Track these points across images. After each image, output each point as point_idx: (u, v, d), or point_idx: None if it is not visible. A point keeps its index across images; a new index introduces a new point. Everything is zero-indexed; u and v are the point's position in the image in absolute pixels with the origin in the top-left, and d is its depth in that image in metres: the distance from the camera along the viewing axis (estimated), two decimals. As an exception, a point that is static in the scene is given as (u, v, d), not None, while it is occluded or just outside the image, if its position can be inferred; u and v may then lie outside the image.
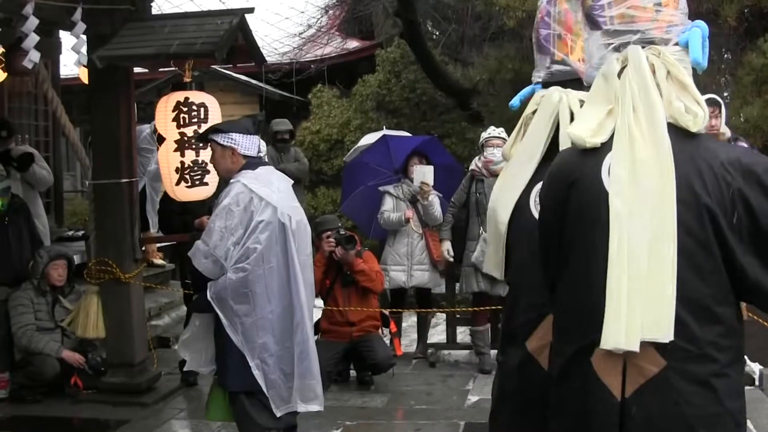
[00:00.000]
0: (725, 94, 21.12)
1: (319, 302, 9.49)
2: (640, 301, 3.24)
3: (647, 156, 3.29)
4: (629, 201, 3.27)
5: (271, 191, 6.33)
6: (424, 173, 10.56)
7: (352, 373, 10.02)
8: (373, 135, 13.66)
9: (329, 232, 9.70)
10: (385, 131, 13.73)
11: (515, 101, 4.93)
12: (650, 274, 3.24)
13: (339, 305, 9.68)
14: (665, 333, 3.22)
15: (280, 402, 6.37)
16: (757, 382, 9.16)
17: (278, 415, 6.39)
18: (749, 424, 7.95)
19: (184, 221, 9.50)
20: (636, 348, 3.23)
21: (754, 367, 9.54)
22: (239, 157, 6.45)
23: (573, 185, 3.42)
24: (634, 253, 3.25)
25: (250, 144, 6.52)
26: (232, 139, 6.43)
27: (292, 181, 6.91)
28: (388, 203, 10.81)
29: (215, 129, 6.65)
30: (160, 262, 13.64)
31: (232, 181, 6.36)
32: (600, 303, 3.29)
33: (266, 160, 6.83)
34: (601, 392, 3.33)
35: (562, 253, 3.53)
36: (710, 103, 9.90)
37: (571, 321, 3.47)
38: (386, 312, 10.26)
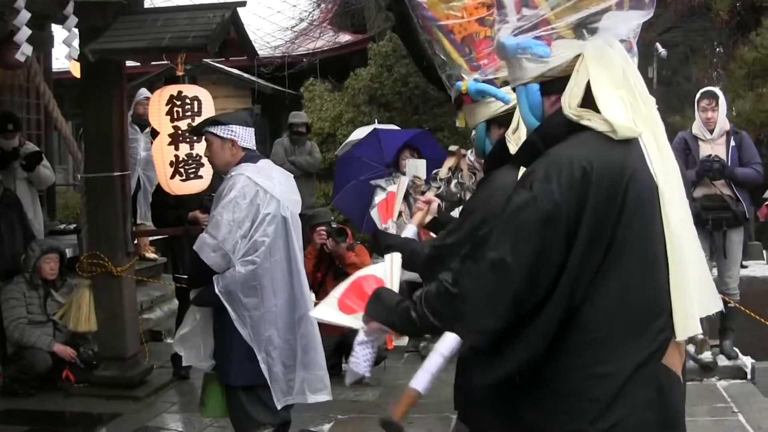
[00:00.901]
0: (717, 88, 21.13)
1: (311, 296, 9.50)
2: (696, 284, 3.27)
3: (663, 142, 3.29)
4: (668, 188, 3.24)
5: (273, 185, 6.37)
6: (416, 167, 10.56)
7: (344, 366, 10.02)
8: (364, 129, 13.67)
9: (322, 226, 9.71)
10: (377, 125, 13.74)
11: (507, 95, 4.79)
12: (693, 255, 3.29)
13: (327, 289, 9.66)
14: (716, 305, 3.41)
15: (281, 395, 6.42)
16: (749, 376, 9.18)
17: (279, 407, 6.43)
18: (741, 417, 7.98)
19: (178, 215, 9.50)
20: (700, 329, 3.29)
21: (746, 361, 9.56)
22: (239, 150, 6.46)
23: (630, 180, 3.16)
24: (683, 238, 3.25)
25: (249, 136, 6.55)
26: (232, 131, 6.43)
27: (292, 175, 6.93)
28: (380, 197, 10.81)
29: (214, 121, 6.64)
30: (152, 255, 13.63)
31: (233, 173, 6.35)
32: (666, 297, 3.21)
33: (257, 153, 6.88)
34: (678, 387, 3.28)
35: (608, 259, 3.14)
36: (707, 95, 9.91)
37: (625, 332, 3.16)
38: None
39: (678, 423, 3.29)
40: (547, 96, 3.36)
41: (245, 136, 6.49)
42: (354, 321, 3.65)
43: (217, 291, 6.19)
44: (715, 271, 10.09)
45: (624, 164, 3.17)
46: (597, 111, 3.22)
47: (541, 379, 3.22)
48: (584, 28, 3.33)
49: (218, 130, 6.46)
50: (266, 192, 6.24)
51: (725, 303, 9.78)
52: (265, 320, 6.26)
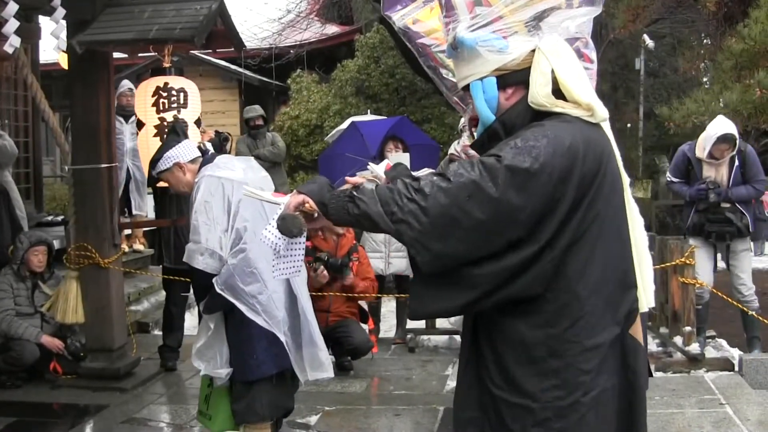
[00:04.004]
0: (705, 79, 21.14)
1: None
2: (649, 262, 3.60)
3: (609, 129, 3.49)
4: (622, 170, 3.48)
5: (236, 172, 6.35)
6: (400, 161, 10.55)
7: (331, 358, 10.01)
8: (348, 121, 13.70)
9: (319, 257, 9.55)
10: (354, 118, 13.77)
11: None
12: (644, 236, 3.58)
13: (322, 291, 9.61)
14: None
15: (300, 372, 6.42)
16: (736, 368, 9.19)
17: (303, 381, 6.49)
18: (728, 409, 7.99)
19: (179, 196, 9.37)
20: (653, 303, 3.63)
21: (734, 353, 9.58)
22: (189, 165, 6.52)
23: (608, 159, 3.36)
24: (637, 217, 3.53)
25: (187, 149, 6.61)
26: (169, 158, 6.51)
27: (252, 157, 6.94)
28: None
29: (153, 162, 6.72)
30: (140, 247, 13.64)
31: (196, 180, 6.37)
32: (633, 272, 3.43)
33: (212, 154, 6.88)
34: (642, 354, 3.49)
35: (592, 232, 3.29)
36: (727, 140, 9.77)
37: (605, 304, 3.34)
38: (365, 307, 10.24)
39: (639, 387, 3.46)
40: (503, 89, 3.45)
41: (184, 152, 6.56)
42: (279, 200, 3.58)
43: (218, 290, 6.16)
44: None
45: (603, 144, 3.36)
46: (563, 99, 3.35)
47: (533, 360, 3.33)
48: (535, 24, 3.44)
49: (162, 165, 6.55)
50: (230, 180, 6.22)
51: (744, 312, 9.83)
52: (273, 301, 6.21)
